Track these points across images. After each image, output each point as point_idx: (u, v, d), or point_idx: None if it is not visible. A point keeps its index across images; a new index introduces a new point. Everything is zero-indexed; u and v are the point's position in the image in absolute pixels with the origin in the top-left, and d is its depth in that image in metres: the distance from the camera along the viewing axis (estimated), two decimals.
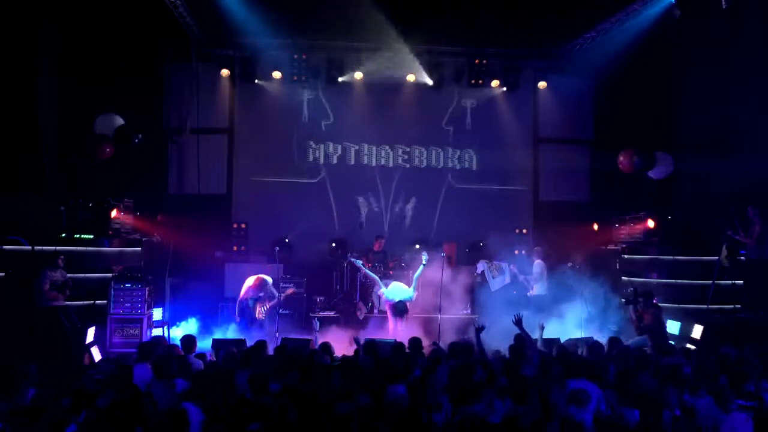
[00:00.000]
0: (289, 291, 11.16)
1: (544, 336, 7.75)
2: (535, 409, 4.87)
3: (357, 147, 13.73)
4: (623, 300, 9.35)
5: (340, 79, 13.16)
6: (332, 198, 13.69)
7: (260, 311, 10.30)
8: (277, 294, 10.47)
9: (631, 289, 9.38)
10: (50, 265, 9.13)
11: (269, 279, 10.46)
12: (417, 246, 12.61)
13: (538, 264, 11.20)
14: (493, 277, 11.40)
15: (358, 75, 13.15)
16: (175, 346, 7.20)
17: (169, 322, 10.46)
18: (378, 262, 12.36)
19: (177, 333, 10.20)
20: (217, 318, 11.11)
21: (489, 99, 13.81)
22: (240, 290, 10.44)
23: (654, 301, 9.11)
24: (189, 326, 10.78)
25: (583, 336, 9.24)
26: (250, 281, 10.32)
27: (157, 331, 9.92)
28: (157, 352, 6.55)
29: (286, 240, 12.70)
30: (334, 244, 13.13)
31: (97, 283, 9.94)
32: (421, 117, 13.77)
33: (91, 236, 10.30)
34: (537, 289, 11.13)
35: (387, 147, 13.73)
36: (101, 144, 11.32)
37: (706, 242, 10.47)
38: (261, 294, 10.27)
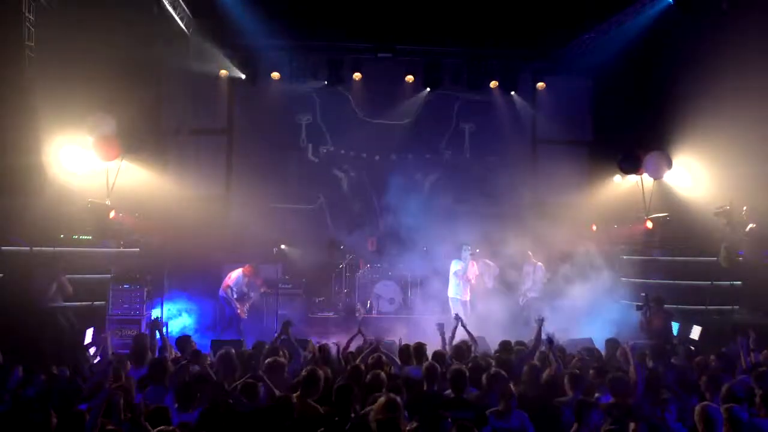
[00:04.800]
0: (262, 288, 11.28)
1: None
2: None
3: (355, 147, 13.73)
4: (635, 306, 9.31)
5: (338, 80, 13.15)
6: (330, 198, 13.70)
7: (243, 310, 10.41)
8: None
9: (643, 294, 9.37)
10: (51, 266, 9.12)
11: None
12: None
13: (540, 267, 11.04)
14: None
15: (357, 75, 13.15)
16: (172, 346, 7.19)
17: (167, 322, 10.46)
18: (374, 261, 12.40)
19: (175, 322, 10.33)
20: (215, 319, 11.11)
21: (488, 100, 13.81)
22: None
23: (664, 306, 9.14)
24: (184, 321, 10.82)
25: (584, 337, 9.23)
26: (237, 271, 10.81)
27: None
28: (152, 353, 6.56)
29: (285, 244, 12.70)
30: (332, 245, 13.13)
31: (95, 284, 9.93)
32: (419, 117, 13.77)
33: (90, 237, 10.30)
34: (535, 292, 11.02)
35: (385, 147, 13.73)
36: (110, 144, 11.30)
37: (705, 243, 10.47)
38: (249, 284, 10.72)
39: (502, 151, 13.95)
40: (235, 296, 10.79)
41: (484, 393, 5.34)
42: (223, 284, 10.92)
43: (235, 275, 10.87)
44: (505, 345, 6.97)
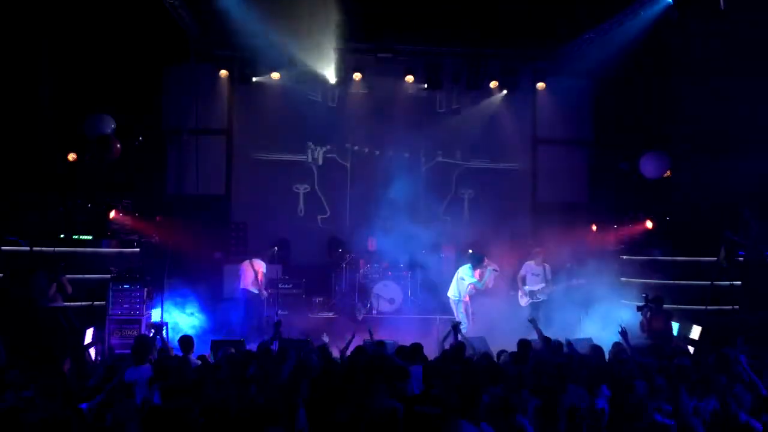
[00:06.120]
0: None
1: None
2: None
3: (356, 148, 13.73)
4: (635, 306, 9.30)
5: (338, 80, 13.15)
6: (330, 198, 13.71)
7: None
8: None
9: (643, 295, 9.37)
10: (51, 268, 9.12)
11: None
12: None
13: (549, 269, 10.85)
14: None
15: (357, 76, 13.14)
16: (171, 348, 7.20)
17: (166, 323, 10.44)
18: (374, 261, 12.39)
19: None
20: (215, 319, 11.10)
21: (488, 100, 13.81)
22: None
23: (664, 307, 9.12)
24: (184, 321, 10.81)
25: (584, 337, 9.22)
26: (259, 263, 11.01)
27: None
28: (151, 353, 6.56)
29: (280, 245, 12.65)
30: (332, 245, 13.14)
31: (95, 284, 9.93)
32: (419, 118, 13.77)
33: (90, 237, 10.30)
34: (545, 293, 10.92)
35: (385, 148, 13.72)
36: (110, 143, 11.33)
37: (705, 243, 10.47)
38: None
39: (502, 152, 13.95)
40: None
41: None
42: (255, 280, 10.90)
43: (260, 266, 10.99)
44: (523, 343, 6.98)
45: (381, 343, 7.22)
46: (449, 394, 5.04)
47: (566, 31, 12.30)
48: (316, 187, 13.71)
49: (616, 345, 7.36)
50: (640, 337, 8.86)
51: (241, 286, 10.91)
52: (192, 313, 10.98)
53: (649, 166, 12.02)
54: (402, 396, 5.26)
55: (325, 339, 7.55)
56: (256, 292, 10.89)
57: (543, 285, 10.69)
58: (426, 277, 12.34)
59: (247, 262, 10.99)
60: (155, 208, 12.14)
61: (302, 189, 13.63)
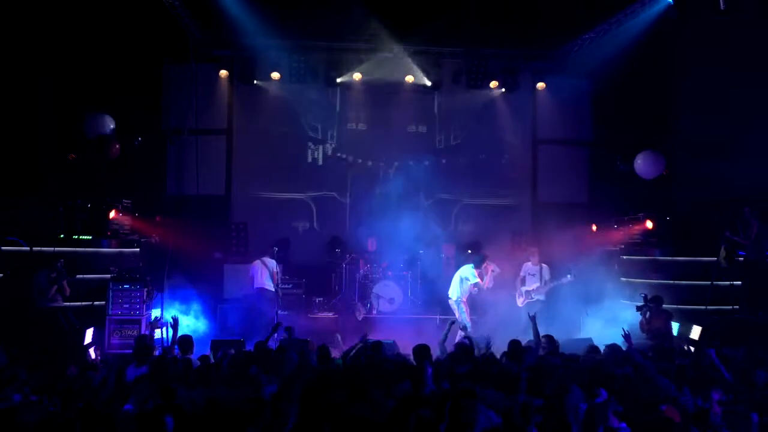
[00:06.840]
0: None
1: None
2: None
3: (355, 148, 13.72)
4: (635, 306, 9.30)
5: (338, 80, 13.16)
6: (330, 198, 13.70)
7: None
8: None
9: (643, 294, 9.37)
10: (50, 268, 9.12)
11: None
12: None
13: (546, 268, 10.73)
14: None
15: (357, 76, 13.13)
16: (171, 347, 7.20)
17: (167, 322, 10.43)
18: (374, 261, 12.40)
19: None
20: (216, 319, 11.11)
21: (487, 100, 13.80)
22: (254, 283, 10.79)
23: (664, 307, 9.12)
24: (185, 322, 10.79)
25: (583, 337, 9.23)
26: (272, 262, 10.86)
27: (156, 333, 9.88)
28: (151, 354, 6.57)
29: (280, 245, 12.65)
30: (332, 244, 13.14)
31: (95, 284, 9.93)
32: (419, 118, 13.77)
33: (90, 237, 10.30)
34: (542, 293, 10.87)
35: (385, 148, 13.70)
36: (109, 143, 11.34)
37: (705, 243, 10.47)
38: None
39: (502, 152, 13.95)
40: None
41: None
42: (269, 279, 10.77)
43: (272, 265, 10.87)
44: (514, 342, 6.98)
45: (379, 344, 7.21)
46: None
47: (566, 31, 12.31)
48: (315, 225, 13.67)
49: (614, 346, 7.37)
50: (640, 338, 8.87)
51: (256, 285, 10.77)
52: (197, 317, 10.99)
53: (643, 166, 12.04)
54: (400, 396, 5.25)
55: (339, 339, 7.56)
56: (273, 289, 10.79)
57: (538, 284, 10.64)
58: (426, 278, 12.35)
59: (258, 261, 10.91)
60: (155, 208, 12.14)
61: (301, 226, 13.61)
